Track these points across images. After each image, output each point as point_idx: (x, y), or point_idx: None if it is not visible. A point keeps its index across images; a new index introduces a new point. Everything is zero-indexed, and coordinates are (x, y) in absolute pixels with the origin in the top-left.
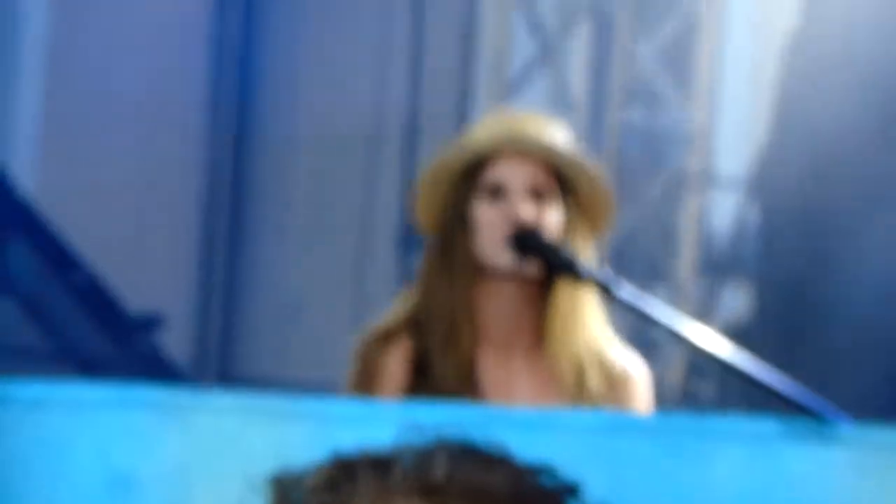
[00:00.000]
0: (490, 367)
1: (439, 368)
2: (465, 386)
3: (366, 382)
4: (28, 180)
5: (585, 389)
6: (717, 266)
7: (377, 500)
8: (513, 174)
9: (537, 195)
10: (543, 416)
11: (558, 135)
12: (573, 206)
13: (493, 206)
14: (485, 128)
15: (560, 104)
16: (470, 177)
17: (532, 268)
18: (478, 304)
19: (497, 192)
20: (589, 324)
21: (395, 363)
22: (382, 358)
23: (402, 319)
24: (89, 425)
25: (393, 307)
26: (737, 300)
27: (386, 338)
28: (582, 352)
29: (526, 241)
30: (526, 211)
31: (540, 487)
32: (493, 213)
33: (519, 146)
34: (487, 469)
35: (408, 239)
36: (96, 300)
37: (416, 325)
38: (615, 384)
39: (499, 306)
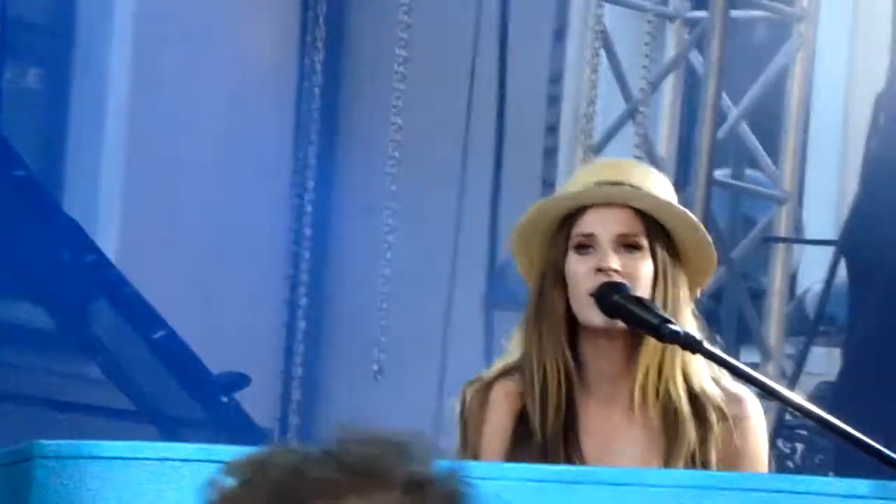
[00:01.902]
0: (589, 419)
1: (536, 422)
2: (561, 438)
3: (469, 430)
4: (111, 242)
5: (687, 439)
6: (807, 325)
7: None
8: (601, 224)
9: (628, 245)
10: (634, 472)
11: (651, 181)
12: (670, 254)
13: (582, 259)
14: (578, 177)
15: (646, 162)
16: (562, 229)
17: (618, 324)
18: (576, 356)
19: (585, 244)
20: (688, 371)
21: (498, 410)
22: (485, 406)
23: (509, 366)
24: (173, 483)
25: (504, 355)
26: (826, 359)
27: (490, 385)
28: (681, 402)
29: (607, 297)
30: (611, 263)
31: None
32: (581, 266)
33: (605, 195)
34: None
35: (492, 299)
36: (179, 361)
37: (521, 372)
38: (726, 426)
39: (595, 359)
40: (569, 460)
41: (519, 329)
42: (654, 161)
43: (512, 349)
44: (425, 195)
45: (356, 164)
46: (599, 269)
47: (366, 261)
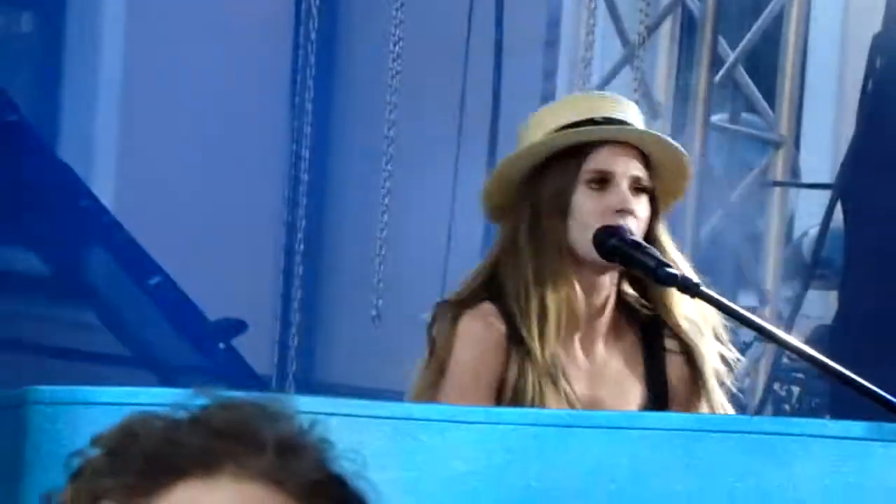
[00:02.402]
0: (576, 353)
1: (530, 351)
2: (551, 371)
3: (448, 348)
4: (106, 188)
5: (671, 385)
6: (803, 268)
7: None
8: (620, 164)
9: (638, 188)
10: (630, 416)
11: (641, 117)
12: (658, 192)
13: (596, 196)
14: (575, 103)
15: (643, 106)
16: (572, 158)
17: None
18: (569, 289)
19: (600, 181)
20: (692, 317)
21: (482, 330)
22: (467, 324)
23: (482, 287)
24: None
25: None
26: (823, 302)
27: (468, 304)
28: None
29: (605, 241)
30: (633, 206)
31: None
32: (595, 203)
33: (625, 135)
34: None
35: (490, 245)
36: (175, 307)
37: (497, 292)
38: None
39: (590, 293)
40: (562, 392)
41: (490, 254)
42: (651, 105)
43: (471, 275)
44: (423, 141)
45: (354, 110)
46: (621, 210)
47: (363, 207)
